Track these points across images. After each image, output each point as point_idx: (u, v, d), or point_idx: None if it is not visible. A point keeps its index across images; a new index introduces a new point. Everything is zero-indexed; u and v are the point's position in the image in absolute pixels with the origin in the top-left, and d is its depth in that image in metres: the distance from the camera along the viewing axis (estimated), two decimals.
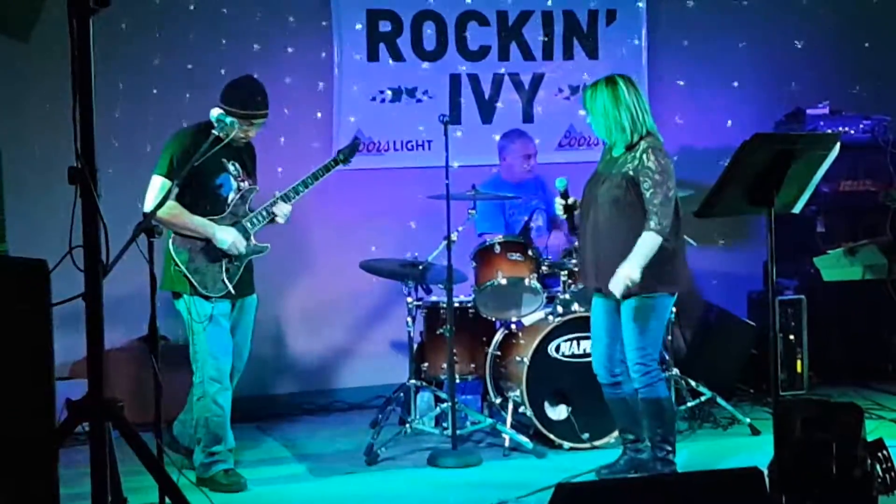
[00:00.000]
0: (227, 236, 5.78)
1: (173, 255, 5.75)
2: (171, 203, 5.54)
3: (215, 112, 5.70)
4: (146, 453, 3.69)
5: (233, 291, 5.84)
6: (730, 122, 8.41)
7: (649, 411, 5.77)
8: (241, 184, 5.91)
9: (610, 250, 5.65)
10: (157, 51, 7.36)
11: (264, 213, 5.93)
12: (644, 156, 5.60)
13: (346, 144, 6.23)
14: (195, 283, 5.74)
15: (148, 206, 5.66)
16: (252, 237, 5.91)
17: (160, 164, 5.77)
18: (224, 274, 5.81)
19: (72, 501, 4.02)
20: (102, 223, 3.55)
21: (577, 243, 6.27)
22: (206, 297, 5.78)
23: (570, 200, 5.94)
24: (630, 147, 5.68)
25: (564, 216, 6.00)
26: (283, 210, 5.97)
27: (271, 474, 6.24)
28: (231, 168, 5.87)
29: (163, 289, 5.70)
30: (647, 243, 5.54)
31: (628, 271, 5.50)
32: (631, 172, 5.61)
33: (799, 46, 8.68)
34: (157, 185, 5.72)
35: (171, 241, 5.77)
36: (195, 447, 5.93)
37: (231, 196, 5.86)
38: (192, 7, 7.45)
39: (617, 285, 5.53)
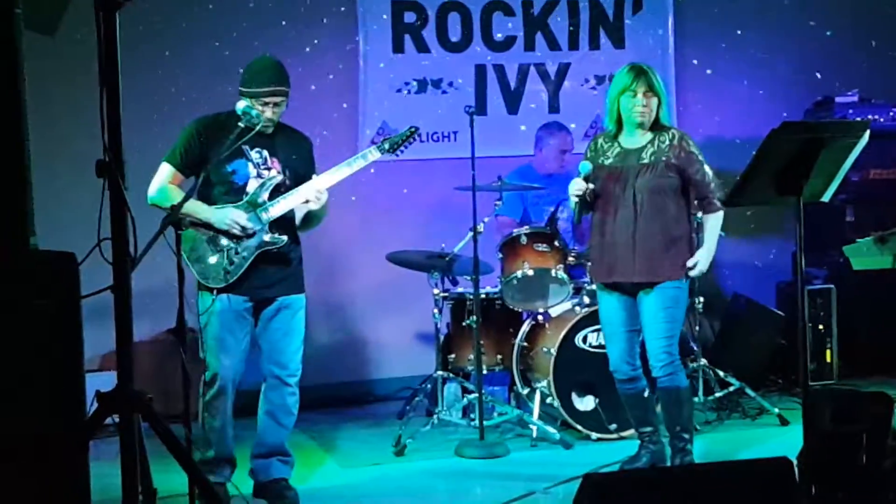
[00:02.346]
0: (224, 215, 5.34)
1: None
2: (171, 188, 5.32)
3: (241, 104, 5.47)
4: (175, 445, 3.71)
5: (255, 281, 5.44)
6: (758, 110, 8.36)
7: (669, 400, 5.74)
8: (266, 172, 5.52)
9: (659, 240, 5.63)
10: (182, 44, 7.39)
11: (281, 199, 5.44)
12: (683, 142, 5.67)
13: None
14: (195, 274, 5.37)
15: (152, 190, 5.39)
16: (266, 227, 5.43)
17: (169, 151, 5.47)
18: (227, 265, 5.40)
19: (102, 493, 4.04)
20: (130, 216, 3.56)
21: (594, 239, 5.87)
22: (209, 290, 5.40)
23: (590, 188, 5.73)
24: (654, 135, 5.68)
25: (576, 201, 5.71)
26: (311, 187, 5.44)
27: (299, 465, 6.24)
28: (252, 155, 5.47)
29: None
30: (719, 223, 5.71)
31: (708, 255, 5.66)
32: (673, 160, 5.63)
33: (828, 34, 8.62)
34: (162, 170, 5.43)
35: (187, 228, 5.08)
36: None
37: (251, 184, 5.45)
38: (217, 1, 7.48)
39: (701, 270, 5.66)
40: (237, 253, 5.42)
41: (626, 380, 5.85)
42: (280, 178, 5.50)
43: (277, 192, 5.48)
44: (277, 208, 5.45)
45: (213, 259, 5.40)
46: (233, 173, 5.44)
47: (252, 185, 5.45)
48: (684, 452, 5.74)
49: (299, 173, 5.57)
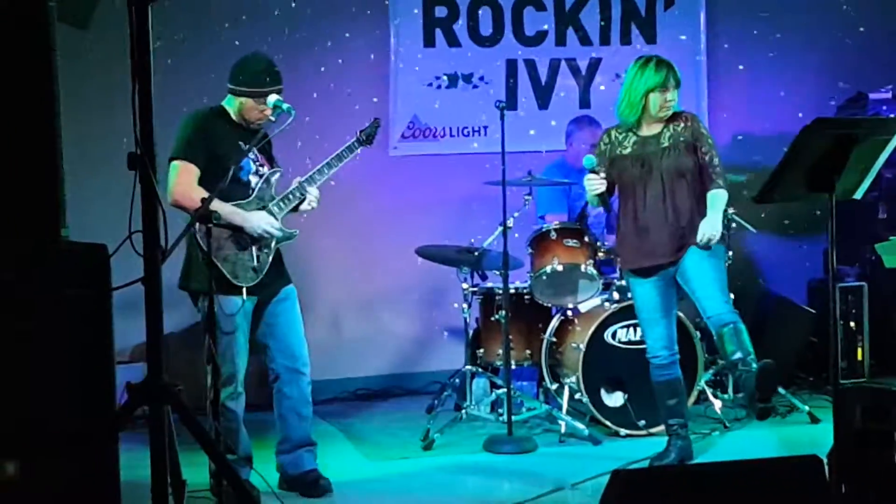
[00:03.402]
0: (259, 221, 5.38)
1: (200, 243, 5.18)
2: (199, 190, 5.22)
3: (272, 98, 5.42)
4: (204, 437, 3.72)
5: (264, 279, 5.44)
6: (790, 106, 8.32)
7: (740, 332, 5.76)
8: (262, 168, 5.51)
9: (688, 218, 5.74)
10: (212, 39, 7.40)
11: (290, 196, 5.53)
12: (695, 123, 5.83)
13: (365, 125, 5.79)
14: (225, 273, 5.29)
15: (171, 192, 5.29)
16: (280, 222, 5.50)
17: (175, 147, 5.36)
18: (255, 262, 5.41)
19: (132, 483, 4.06)
20: (161, 209, 3.57)
21: (625, 227, 5.91)
22: (235, 291, 5.35)
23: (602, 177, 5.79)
24: (666, 121, 5.82)
25: (598, 196, 5.77)
26: (312, 193, 5.57)
27: (327, 458, 6.26)
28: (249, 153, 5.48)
29: (183, 286, 5.43)
30: (724, 198, 5.77)
31: (717, 225, 5.69)
32: (691, 139, 5.77)
33: (861, 30, 8.56)
34: (178, 169, 5.31)
35: (218, 221, 5.22)
36: None
37: (254, 180, 5.48)
38: None
39: (711, 236, 5.68)
40: (260, 249, 5.44)
41: (664, 365, 5.88)
42: (279, 171, 5.59)
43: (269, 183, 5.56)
44: (285, 211, 5.53)
45: (240, 257, 5.39)
46: (240, 169, 5.41)
47: (256, 181, 5.48)
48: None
49: (276, 163, 5.69)
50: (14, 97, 3.76)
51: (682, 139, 5.77)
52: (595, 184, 5.75)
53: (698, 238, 5.70)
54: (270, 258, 5.46)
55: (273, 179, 5.55)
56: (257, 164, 5.51)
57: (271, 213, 5.46)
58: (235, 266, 5.36)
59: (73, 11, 6.69)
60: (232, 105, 5.50)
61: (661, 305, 5.86)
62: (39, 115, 3.84)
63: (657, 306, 5.86)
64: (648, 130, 5.83)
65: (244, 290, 5.36)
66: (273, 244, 5.47)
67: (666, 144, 5.77)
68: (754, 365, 5.67)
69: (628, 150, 5.83)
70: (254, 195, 5.46)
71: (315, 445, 5.73)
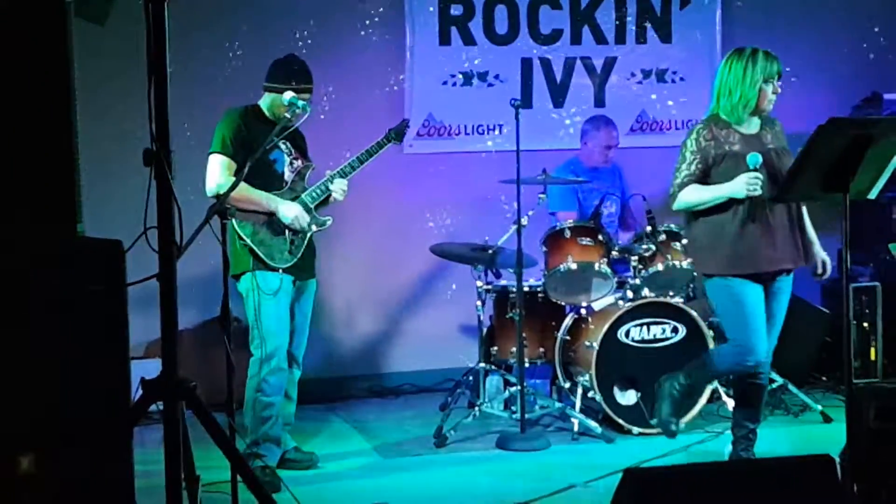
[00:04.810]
0: (290, 210, 5.79)
1: (237, 229, 5.70)
2: (231, 178, 5.58)
3: (287, 95, 5.75)
4: (218, 432, 3.74)
5: (298, 262, 5.84)
6: (805, 106, 8.28)
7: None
8: (295, 161, 5.94)
9: (799, 228, 5.59)
10: (230, 35, 7.43)
11: (322, 188, 5.93)
12: (782, 131, 5.68)
13: (395, 124, 6.22)
14: (262, 255, 5.72)
15: (210, 185, 5.73)
16: (313, 211, 5.91)
17: (215, 143, 5.79)
18: (289, 245, 5.81)
19: (146, 479, 4.07)
20: (177, 205, 3.59)
21: (735, 228, 5.51)
22: (274, 269, 5.76)
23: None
24: (762, 121, 5.64)
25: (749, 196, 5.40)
26: (339, 186, 5.95)
27: (341, 456, 6.29)
28: (282, 146, 5.90)
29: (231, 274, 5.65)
30: None
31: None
32: (782, 146, 5.62)
33: (876, 30, 8.54)
34: (217, 162, 5.75)
35: (233, 217, 5.47)
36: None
37: (287, 173, 5.90)
38: None
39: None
40: (295, 233, 5.84)
41: (762, 373, 5.67)
42: (312, 165, 6.02)
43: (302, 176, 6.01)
44: (317, 202, 5.94)
45: (275, 240, 5.79)
46: (274, 162, 5.88)
47: (289, 174, 5.90)
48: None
49: (308, 158, 6.09)
50: (30, 93, 3.78)
51: (780, 144, 5.56)
52: (758, 184, 5.35)
53: (819, 269, 5.60)
54: (305, 243, 5.88)
55: (306, 173, 5.99)
56: (291, 157, 5.95)
57: (304, 203, 5.88)
58: (272, 248, 5.77)
59: (90, 7, 6.70)
60: (265, 102, 5.92)
61: (763, 313, 5.56)
62: (56, 111, 3.86)
63: (762, 313, 5.54)
64: (747, 129, 5.57)
65: (281, 270, 5.78)
66: (308, 230, 5.87)
67: (771, 146, 5.53)
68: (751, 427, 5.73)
69: (736, 146, 5.49)
70: (287, 187, 5.89)
71: (291, 425, 6.09)
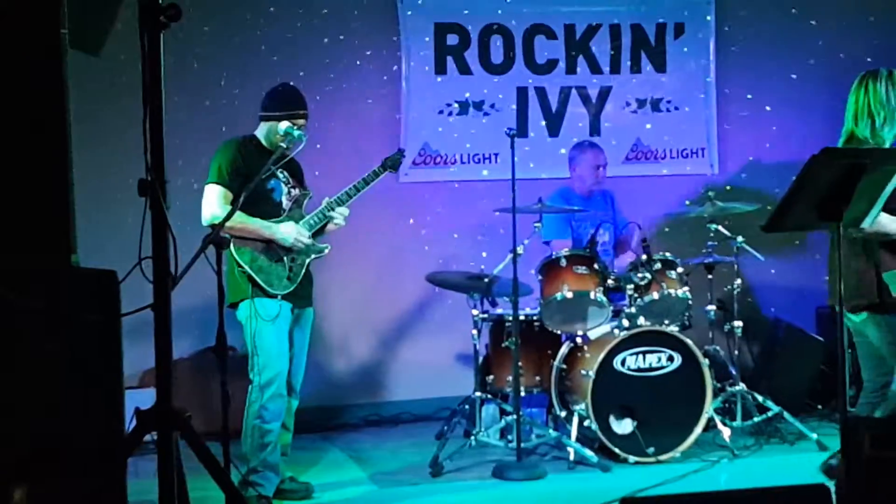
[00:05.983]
0: (288, 230, 5.81)
1: (236, 256, 5.72)
2: (228, 208, 5.61)
3: (283, 125, 5.78)
4: (212, 463, 3.73)
5: (296, 290, 5.83)
6: (799, 134, 8.32)
7: None
8: (293, 190, 5.98)
9: None
10: (226, 68, 7.45)
11: (319, 216, 5.95)
12: None
13: (390, 154, 6.29)
14: (260, 282, 5.73)
15: (206, 215, 5.74)
16: (311, 238, 5.92)
17: (211, 173, 5.82)
18: (288, 272, 5.81)
19: None
20: (171, 235, 3.59)
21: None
22: (272, 296, 5.76)
23: None
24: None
25: None
26: (341, 211, 5.99)
27: (336, 485, 6.27)
28: (280, 175, 5.92)
29: (229, 303, 5.67)
30: None
31: None
32: None
33: (869, 61, 8.57)
34: (214, 193, 5.77)
35: (231, 244, 5.68)
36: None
37: (285, 201, 5.92)
38: (262, 23, 7.54)
39: None
40: (293, 260, 5.85)
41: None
42: (309, 194, 6.05)
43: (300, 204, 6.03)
44: (315, 229, 5.95)
45: (274, 267, 5.80)
46: (272, 191, 5.89)
47: (286, 202, 5.93)
48: None
49: (305, 187, 6.12)
50: (25, 124, 3.79)
51: None
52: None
53: None
54: (303, 270, 5.88)
55: (303, 201, 6.02)
56: (289, 185, 5.96)
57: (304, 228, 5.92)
58: (270, 275, 5.78)
59: (85, 37, 6.72)
60: (261, 132, 5.95)
61: None
62: (51, 141, 3.87)
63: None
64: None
65: (279, 297, 5.79)
66: (306, 256, 5.88)
67: None
68: None
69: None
70: (285, 215, 5.90)
71: (287, 455, 6.07)
